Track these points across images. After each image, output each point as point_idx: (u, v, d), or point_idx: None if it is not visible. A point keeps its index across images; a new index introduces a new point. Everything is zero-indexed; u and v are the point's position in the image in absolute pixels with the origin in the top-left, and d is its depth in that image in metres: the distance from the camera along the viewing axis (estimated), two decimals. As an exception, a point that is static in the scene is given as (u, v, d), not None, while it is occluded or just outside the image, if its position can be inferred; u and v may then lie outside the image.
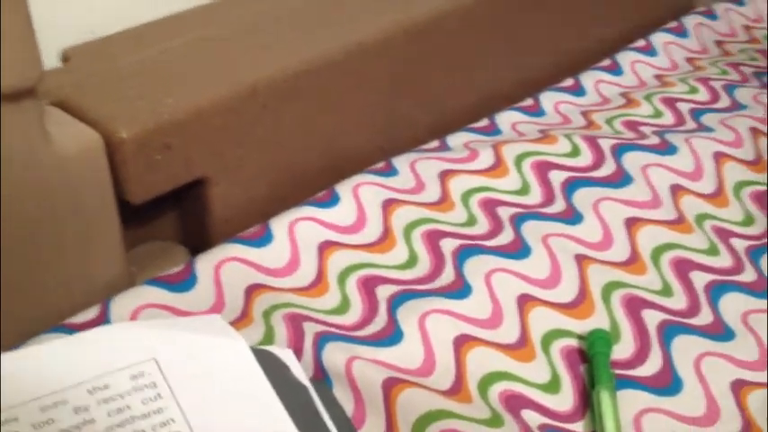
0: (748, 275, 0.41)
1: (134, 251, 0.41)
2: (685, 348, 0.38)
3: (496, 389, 0.35)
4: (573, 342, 0.37)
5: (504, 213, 0.43)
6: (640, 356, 0.37)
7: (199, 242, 0.42)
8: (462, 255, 0.40)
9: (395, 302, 0.38)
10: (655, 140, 0.48)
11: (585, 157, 0.46)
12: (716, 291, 0.40)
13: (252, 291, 0.38)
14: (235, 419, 0.29)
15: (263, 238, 0.40)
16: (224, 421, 0.29)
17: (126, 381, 0.30)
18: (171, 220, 0.43)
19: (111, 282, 0.38)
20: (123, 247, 0.38)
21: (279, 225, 0.40)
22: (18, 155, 0.33)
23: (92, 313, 0.36)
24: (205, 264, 0.38)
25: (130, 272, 0.40)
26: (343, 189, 0.43)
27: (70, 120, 0.37)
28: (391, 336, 0.36)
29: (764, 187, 0.46)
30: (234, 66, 0.42)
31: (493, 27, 0.52)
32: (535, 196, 0.44)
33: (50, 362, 0.30)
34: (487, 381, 0.35)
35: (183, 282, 0.37)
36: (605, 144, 0.47)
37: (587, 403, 0.35)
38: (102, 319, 0.35)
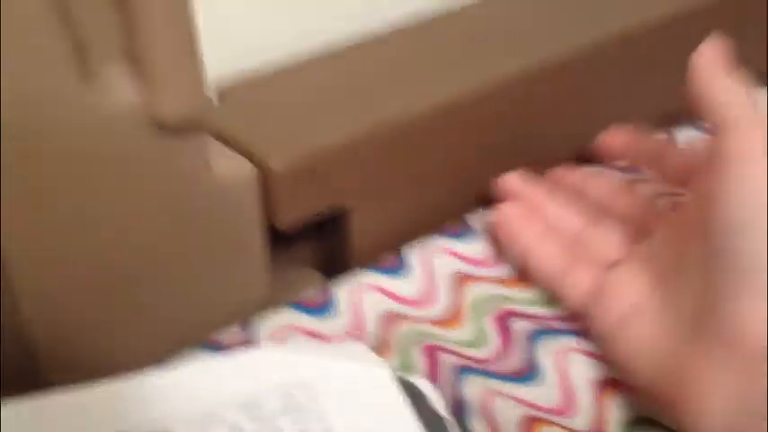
0: None
1: (275, 274, 0.43)
2: None
3: (633, 433, 0.35)
4: None
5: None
6: None
7: (335, 270, 0.43)
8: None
9: (532, 339, 0.38)
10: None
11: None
12: None
13: (388, 319, 0.39)
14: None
15: (400, 268, 0.41)
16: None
17: (277, 402, 0.31)
18: (310, 247, 0.45)
19: (256, 303, 0.40)
20: (268, 270, 0.40)
21: (415, 256, 0.41)
22: (183, 183, 0.35)
23: (239, 333, 0.38)
24: (344, 290, 0.40)
25: (272, 294, 0.41)
26: (476, 223, 0.43)
27: (226, 151, 0.39)
28: (529, 373, 0.37)
29: None
30: (379, 102, 0.43)
31: (618, 69, 0.52)
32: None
33: (205, 379, 0.32)
34: (629, 427, 0.35)
35: (323, 307, 0.39)
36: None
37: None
38: (249, 339, 0.37)
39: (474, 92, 0.44)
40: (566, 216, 0.40)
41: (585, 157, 0.51)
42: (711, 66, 0.34)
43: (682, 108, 0.55)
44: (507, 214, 0.41)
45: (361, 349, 0.34)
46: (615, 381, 0.36)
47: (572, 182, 0.41)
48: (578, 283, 0.37)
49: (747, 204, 0.30)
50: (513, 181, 0.42)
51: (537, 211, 0.40)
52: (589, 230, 0.39)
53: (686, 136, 0.51)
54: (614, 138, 0.42)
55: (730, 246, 0.30)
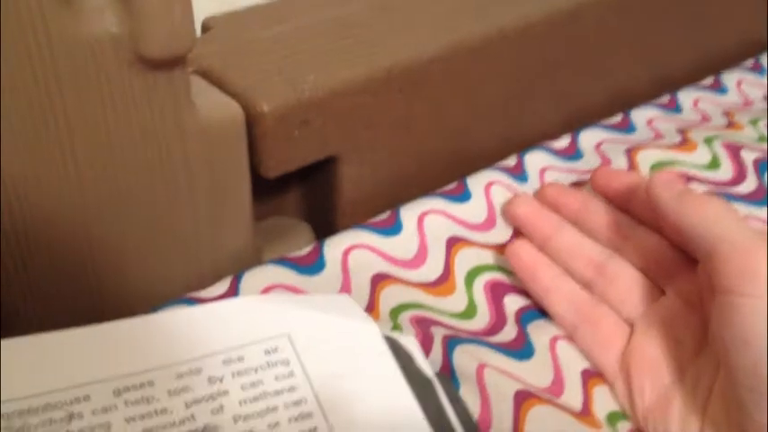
0: None
1: (260, 224, 0.41)
2: None
3: (625, 425, 0.33)
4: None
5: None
6: None
7: (324, 221, 0.42)
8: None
9: (524, 317, 0.37)
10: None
11: (726, 171, 0.44)
12: None
13: (378, 281, 0.37)
14: (365, 404, 0.29)
15: (393, 228, 0.39)
16: (354, 406, 0.28)
17: (260, 355, 0.29)
18: (297, 196, 0.43)
19: (239, 254, 0.38)
20: (253, 220, 0.38)
21: (408, 215, 0.40)
22: (165, 121, 0.33)
23: (222, 288, 0.36)
24: (333, 248, 0.38)
25: (257, 245, 0.40)
26: (475, 185, 0.42)
27: (213, 89, 0.37)
28: (522, 349, 0.35)
29: None
30: (370, 48, 0.41)
31: (631, 22, 0.50)
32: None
33: (185, 329, 0.30)
34: (614, 418, 0.34)
35: (312, 265, 0.37)
36: (748, 158, 0.44)
37: None
38: (232, 295, 0.35)
39: (467, 43, 0.42)
40: (578, 254, 0.38)
41: (579, 120, 0.49)
42: (676, 193, 0.32)
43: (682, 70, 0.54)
44: (522, 254, 0.38)
45: (347, 303, 0.33)
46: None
47: (574, 207, 0.39)
48: (603, 344, 0.35)
49: (747, 324, 0.28)
50: (522, 208, 0.40)
51: (549, 241, 0.38)
52: (604, 271, 0.37)
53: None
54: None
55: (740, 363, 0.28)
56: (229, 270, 0.37)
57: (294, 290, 0.36)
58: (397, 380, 0.30)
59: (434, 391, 0.31)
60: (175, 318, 0.30)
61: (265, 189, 0.41)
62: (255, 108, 0.36)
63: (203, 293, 0.35)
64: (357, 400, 0.29)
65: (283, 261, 0.37)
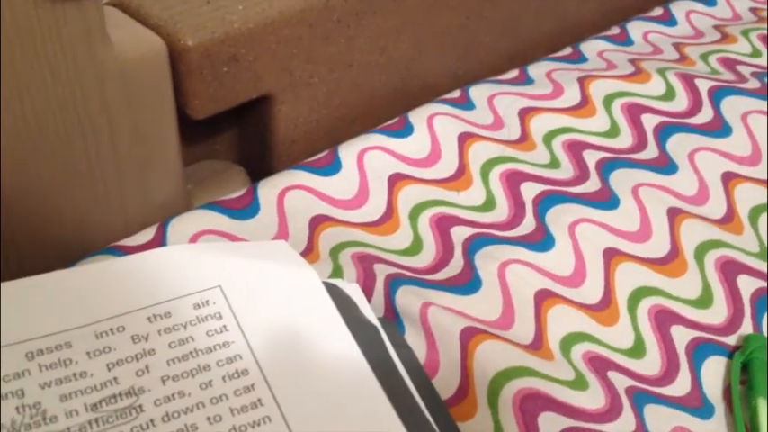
0: None
1: (190, 169, 0.39)
2: None
3: (579, 349, 0.32)
4: (661, 301, 0.34)
5: (591, 158, 0.39)
6: (732, 326, 0.34)
7: (259, 163, 0.39)
8: (545, 202, 0.37)
9: (471, 246, 0.35)
10: (755, 84, 0.44)
11: (681, 102, 0.42)
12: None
13: (317, 223, 0.35)
14: (305, 356, 0.27)
15: (331, 167, 0.37)
16: (294, 358, 0.26)
17: (189, 310, 0.27)
18: (230, 138, 0.40)
19: (168, 200, 0.35)
20: (181, 163, 0.35)
21: (347, 153, 0.37)
22: (78, 60, 0.30)
23: (147, 236, 0.33)
24: (268, 190, 0.35)
25: (187, 190, 0.37)
26: (417, 118, 0.39)
27: (131, 22, 0.34)
28: (468, 283, 0.33)
29: None
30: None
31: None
32: (625, 140, 0.40)
33: (106, 284, 0.28)
34: (570, 340, 0.32)
35: (245, 208, 0.35)
36: (702, 86, 0.43)
37: (677, 367, 0.33)
38: (159, 243, 0.33)
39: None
40: None
41: (527, 53, 0.47)
42: None
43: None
44: None
45: (283, 249, 0.30)
46: (556, 294, 0.34)
47: None
48: None
49: None
50: None
51: None
52: None
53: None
54: None
55: None
56: (158, 218, 0.35)
57: (226, 236, 0.33)
58: (338, 328, 0.28)
59: (379, 338, 0.29)
60: (94, 272, 0.28)
61: (195, 131, 0.38)
62: (179, 42, 0.33)
63: (127, 242, 0.32)
64: (297, 352, 0.27)
65: (214, 206, 0.34)
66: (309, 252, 0.34)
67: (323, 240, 0.34)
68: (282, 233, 0.34)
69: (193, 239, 0.33)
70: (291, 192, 0.36)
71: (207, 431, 0.24)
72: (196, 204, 0.37)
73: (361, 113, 0.41)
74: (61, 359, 0.25)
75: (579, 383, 0.31)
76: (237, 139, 0.40)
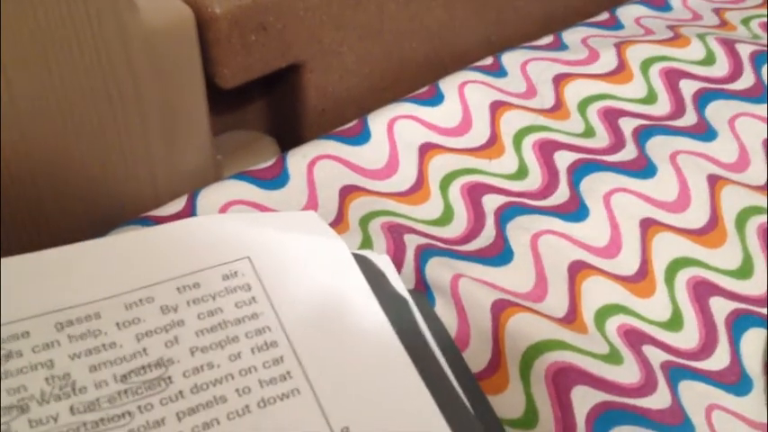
0: None
1: (220, 139, 0.38)
2: None
3: (614, 322, 0.31)
4: (699, 272, 0.34)
5: (627, 125, 0.38)
6: (774, 295, 0.33)
7: (289, 133, 0.39)
8: (579, 171, 0.36)
9: (504, 216, 0.34)
10: (799, 50, 0.42)
11: (722, 67, 0.41)
12: None
13: (347, 193, 0.35)
14: (334, 329, 0.26)
15: (361, 136, 0.36)
16: (323, 331, 0.26)
17: (218, 281, 0.27)
18: (259, 108, 0.40)
19: (197, 170, 0.35)
20: (210, 133, 0.35)
21: (377, 122, 0.37)
22: (104, 26, 0.29)
23: (177, 206, 0.33)
24: (298, 160, 0.35)
25: (217, 161, 0.37)
26: (448, 86, 0.38)
27: (158, -10, 0.33)
28: (500, 254, 0.33)
29: None
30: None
31: None
32: (663, 107, 0.39)
33: (135, 255, 0.27)
34: (604, 313, 0.32)
35: (275, 178, 0.34)
36: (744, 51, 0.41)
37: (716, 340, 0.32)
38: (189, 213, 0.33)
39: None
40: None
41: (563, 19, 0.46)
42: None
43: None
44: None
45: (313, 220, 0.30)
46: (591, 266, 0.33)
47: None
48: None
49: None
50: None
51: None
52: None
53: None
54: None
55: None
56: (187, 189, 0.35)
57: (256, 206, 0.33)
58: (368, 301, 0.27)
59: (409, 310, 0.29)
60: (123, 242, 0.28)
61: (224, 101, 0.38)
62: (207, 10, 0.33)
63: (157, 212, 0.32)
64: (326, 325, 0.26)
65: (243, 176, 0.34)
66: (339, 222, 0.33)
67: (352, 210, 0.34)
68: (312, 203, 0.34)
69: (223, 210, 0.33)
70: (321, 161, 0.35)
71: (236, 403, 0.24)
72: (226, 174, 0.37)
73: (392, 82, 0.40)
74: (90, 330, 0.25)
75: (614, 357, 0.30)
76: (267, 109, 0.40)
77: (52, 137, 0.30)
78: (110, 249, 0.28)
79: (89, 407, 0.23)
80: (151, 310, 0.26)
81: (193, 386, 0.24)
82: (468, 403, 0.27)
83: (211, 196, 0.33)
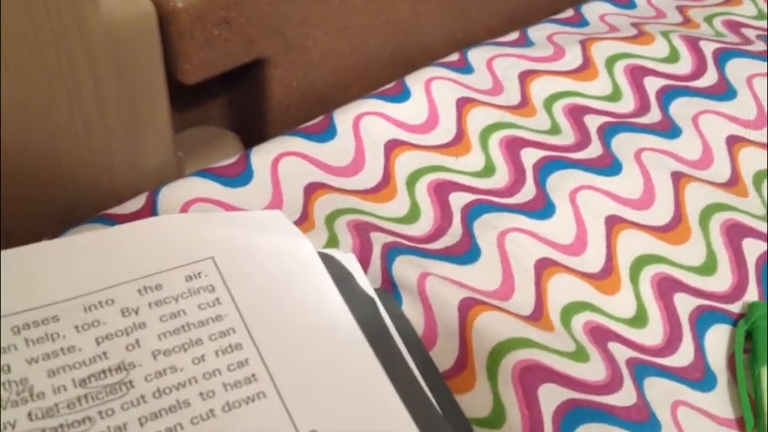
0: None
1: (182, 135, 0.38)
2: None
3: (580, 320, 0.32)
4: (664, 269, 0.34)
5: (593, 123, 0.38)
6: (737, 293, 0.34)
7: (252, 129, 0.38)
8: (545, 168, 0.36)
9: (470, 214, 0.34)
10: (761, 47, 0.43)
11: (685, 64, 0.41)
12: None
13: (312, 190, 0.34)
14: (301, 330, 0.26)
15: (326, 133, 0.36)
16: (289, 332, 0.26)
17: (181, 282, 0.26)
18: (222, 104, 0.39)
19: (158, 167, 0.34)
20: (172, 130, 0.34)
21: (343, 119, 0.36)
22: (63, 21, 0.28)
23: (137, 204, 0.32)
24: (262, 157, 0.34)
25: (178, 158, 0.36)
26: (414, 83, 0.38)
27: (118, -17, 0.33)
28: (467, 253, 0.33)
29: None
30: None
31: None
32: (628, 104, 0.39)
33: (94, 255, 0.27)
34: (570, 311, 0.32)
35: (238, 176, 0.34)
36: (707, 49, 0.42)
37: (680, 337, 0.32)
38: (149, 212, 0.32)
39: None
40: None
41: (527, 16, 0.46)
42: None
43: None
44: None
45: (278, 219, 0.29)
46: (557, 263, 0.33)
47: None
48: None
49: None
50: None
51: None
52: None
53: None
54: None
55: None
56: (148, 186, 0.34)
57: (219, 204, 0.32)
58: (334, 301, 0.27)
59: (375, 309, 0.28)
60: (82, 242, 0.27)
61: (186, 97, 0.37)
62: (168, 4, 0.32)
63: (117, 210, 0.31)
64: (292, 326, 0.26)
65: (206, 173, 0.33)
66: (304, 220, 0.33)
67: (318, 208, 0.34)
68: (276, 201, 0.34)
69: (185, 207, 0.32)
70: (285, 158, 0.35)
71: (199, 407, 0.23)
72: (188, 172, 0.36)
73: (358, 78, 0.40)
74: (48, 333, 0.24)
75: (580, 355, 0.30)
76: (230, 105, 0.39)
77: (8, 132, 0.29)
78: (68, 250, 0.27)
79: (48, 412, 0.23)
80: (111, 312, 0.25)
81: (156, 390, 0.24)
82: (435, 403, 0.26)
83: (173, 194, 0.33)
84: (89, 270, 0.26)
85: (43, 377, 0.23)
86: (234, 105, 0.39)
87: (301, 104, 0.38)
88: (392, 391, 0.25)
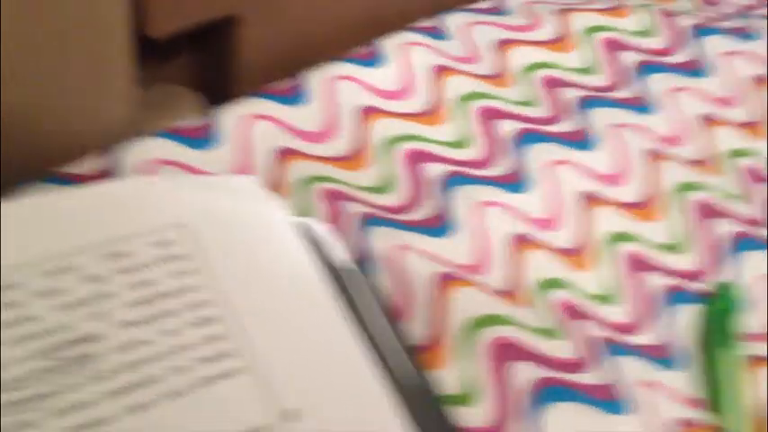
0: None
1: (145, 93, 0.36)
2: (753, 266, 0.34)
3: (553, 296, 0.31)
4: (636, 247, 0.33)
5: (569, 95, 0.37)
6: (706, 272, 0.34)
7: (220, 91, 0.36)
8: (522, 140, 0.35)
9: (447, 185, 0.33)
10: (737, 24, 0.42)
11: (662, 39, 0.41)
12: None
13: (283, 156, 0.33)
14: (280, 304, 0.25)
15: (298, 96, 0.34)
16: (266, 304, 0.24)
17: (151, 248, 0.25)
18: (189, 63, 0.37)
19: (118, 124, 0.33)
20: (134, 86, 0.33)
21: (316, 82, 0.35)
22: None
23: (95, 163, 0.30)
24: (231, 119, 0.33)
25: (140, 116, 0.34)
26: (390, 48, 0.37)
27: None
28: (443, 225, 0.32)
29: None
30: None
31: None
32: (603, 78, 0.39)
33: (56, 217, 0.25)
34: (544, 287, 0.31)
35: (204, 138, 0.32)
36: (684, 24, 0.41)
37: (650, 315, 0.32)
38: (108, 172, 0.30)
39: None
40: None
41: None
42: None
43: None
44: None
45: (252, 185, 0.28)
46: (532, 238, 0.32)
47: None
48: None
49: None
50: None
51: None
52: None
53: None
54: None
55: None
56: (108, 144, 0.32)
57: (183, 167, 0.31)
58: (313, 272, 0.26)
59: (351, 281, 0.27)
60: (40, 203, 0.25)
61: (151, 53, 0.35)
62: (134, -48, 0.30)
63: (73, 169, 0.30)
64: (270, 298, 0.25)
65: (170, 133, 0.32)
66: (275, 187, 0.32)
67: (290, 175, 0.32)
68: (245, 166, 0.32)
69: (148, 168, 0.31)
70: (255, 121, 0.33)
71: (172, 383, 0.22)
72: (149, 131, 0.34)
73: (333, 40, 0.38)
74: (7, 301, 0.23)
75: (553, 333, 0.30)
76: (197, 64, 0.38)
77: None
78: (25, 211, 0.25)
79: (7, 386, 0.21)
80: (75, 279, 0.24)
81: (124, 364, 0.22)
82: (410, 379, 0.26)
83: (134, 154, 0.31)
84: (50, 233, 0.24)
85: (2, 348, 0.22)
86: (201, 64, 0.38)
87: (273, 66, 0.37)
88: (376, 370, 0.24)
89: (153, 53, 0.35)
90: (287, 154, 0.33)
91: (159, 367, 0.22)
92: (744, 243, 0.35)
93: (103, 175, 0.30)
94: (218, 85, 0.37)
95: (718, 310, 0.32)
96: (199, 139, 0.32)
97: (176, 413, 0.22)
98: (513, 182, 0.34)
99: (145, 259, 0.24)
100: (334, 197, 0.32)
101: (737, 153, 0.37)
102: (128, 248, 0.24)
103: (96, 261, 0.24)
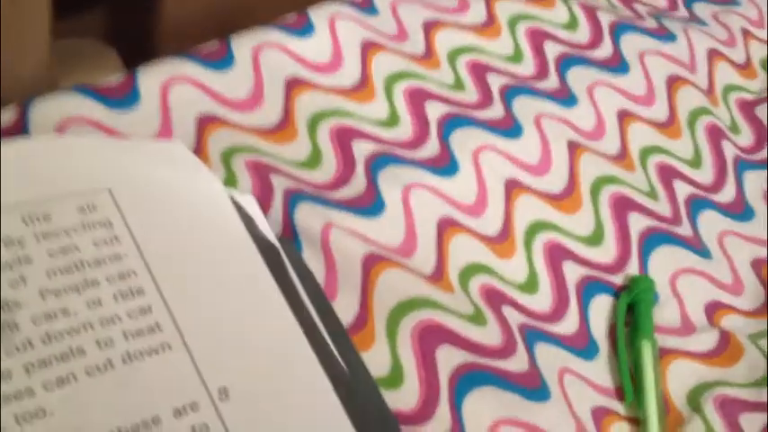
0: (727, 194, 0.39)
1: (57, 44, 0.33)
2: (665, 261, 0.35)
3: (477, 281, 0.31)
4: (555, 236, 0.34)
5: (495, 82, 0.38)
6: (620, 265, 0.35)
7: (139, 49, 0.34)
8: (450, 124, 0.35)
9: (375, 164, 0.33)
10: (653, 24, 0.44)
11: (584, 33, 0.41)
12: (695, 206, 0.38)
13: (206, 123, 0.31)
14: (209, 275, 0.23)
15: (223, 61, 0.33)
16: (197, 279, 0.23)
17: (72, 213, 0.23)
18: (104, 17, 0.35)
19: (31, 75, 0.30)
20: (50, 41, 0.30)
21: (242, 47, 0.33)
22: None
23: (6, 117, 0.28)
24: (150, 79, 0.31)
25: (54, 68, 0.32)
26: (319, 18, 0.36)
27: None
28: (372, 206, 0.31)
29: (750, 96, 0.44)
30: None
31: None
32: (528, 67, 0.39)
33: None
34: (468, 272, 0.31)
35: (123, 98, 0.30)
36: (604, 20, 0.42)
37: (567, 305, 0.33)
38: (20, 127, 0.28)
39: None
40: None
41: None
42: None
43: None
44: None
45: (181, 151, 0.27)
46: (458, 223, 0.32)
47: None
48: None
49: None
50: None
51: None
52: None
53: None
54: None
55: None
56: (17, 96, 0.30)
57: (100, 127, 0.29)
58: (245, 244, 0.25)
59: (279, 257, 0.27)
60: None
61: (69, 5, 0.33)
62: None
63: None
64: (200, 271, 0.23)
65: (87, 90, 0.29)
66: (197, 155, 0.30)
67: (212, 143, 0.31)
68: (166, 129, 0.31)
69: (62, 126, 0.28)
70: (177, 84, 0.32)
71: (96, 357, 0.21)
72: (63, 86, 0.32)
73: (262, 3, 0.37)
74: None
75: (477, 318, 0.30)
76: (114, 19, 0.35)
77: None
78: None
79: None
80: (-12, 242, 0.22)
81: (44, 335, 0.21)
82: (340, 358, 0.25)
83: (48, 109, 0.29)
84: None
85: None
86: (118, 19, 0.35)
87: (196, 27, 0.35)
88: (308, 347, 0.24)
89: (70, 4, 0.33)
90: (211, 121, 0.31)
91: (83, 339, 0.21)
92: (657, 238, 0.36)
93: (14, 129, 0.28)
94: (137, 42, 0.35)
95: (633, 303, 0.33)
96: (117, 98, 0.30)
97: (99, 389, 0.20)
98: (440, 165, 0.34)
99: (67, 224, 0.23)
100: (260, 169, 0.30)
101: (651, 150, 0.39)
102: (48, 211, 0.23)
103: (15, 223, 0.22)
